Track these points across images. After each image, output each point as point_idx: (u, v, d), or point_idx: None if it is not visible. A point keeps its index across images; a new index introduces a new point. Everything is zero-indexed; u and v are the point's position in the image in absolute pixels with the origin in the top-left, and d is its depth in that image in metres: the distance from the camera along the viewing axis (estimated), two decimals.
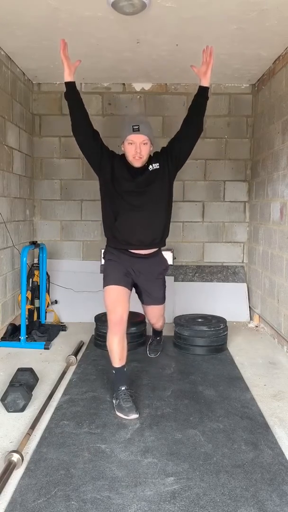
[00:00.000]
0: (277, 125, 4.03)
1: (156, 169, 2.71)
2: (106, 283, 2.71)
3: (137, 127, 2.56)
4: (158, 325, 3.33)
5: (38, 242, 4.44)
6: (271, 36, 3.45)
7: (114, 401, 2.63)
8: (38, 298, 4.45)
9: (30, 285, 4.39)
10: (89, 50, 3.77)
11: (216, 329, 3.69)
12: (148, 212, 2.72)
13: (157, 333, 3.59)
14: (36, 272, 4.46)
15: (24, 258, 3.86)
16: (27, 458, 2.11)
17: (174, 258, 4.85)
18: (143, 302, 3.03)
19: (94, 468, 2.04)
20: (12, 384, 2.68)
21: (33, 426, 2.36)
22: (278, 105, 4.02)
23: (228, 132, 4.86)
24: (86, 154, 2.73)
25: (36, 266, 4.49)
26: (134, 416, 2.50)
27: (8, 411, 2.56)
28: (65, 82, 2.66)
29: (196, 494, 1.86)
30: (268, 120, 4.31)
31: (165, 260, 3.00)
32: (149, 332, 3.73)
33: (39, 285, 4.43)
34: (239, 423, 2.48)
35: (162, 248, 2.95)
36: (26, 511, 1.75)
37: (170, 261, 4.80)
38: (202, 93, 2.79)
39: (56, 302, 4.69)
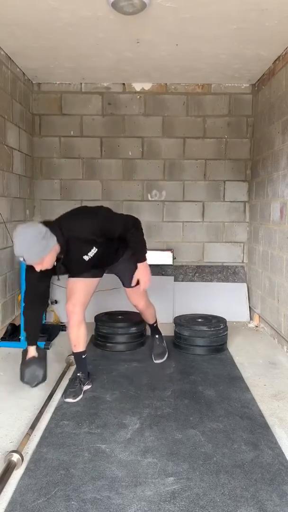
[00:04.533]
0: (277, 125, 4.03)
1: (95, 252, 2.64)
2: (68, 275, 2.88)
3: (22, 258, 2.39)
4: (140, 305, 3.22)
5: None
6: (271, 36, 3.45)
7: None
8: None
9: None
10: (89, 50, 3.77)
11: (216, 329, 3.69)
12: (103, 261, 2.82)
13: (153, 328, 3.49)
14: None
15: None
16: (27, 458, 2.11)
17: (174, 258, 4.85)
18: (123, 284, 3.13)
19: (94, 468, 2.04)
20: (23, 363, 2.76)
21: (33, 426, 2.36)
22: (278, 105, 4.02)
23: (228, 132, 4.86)
24: None
25: None
26: (68, 400, 2.70)
27: (33, 386, 2.69)
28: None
29: (196, 494, 1.85)
30: (268, 120, 4.31)
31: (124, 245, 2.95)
32: (149, 331, 3.72)
33: None
34: (239, 423, 2.48)
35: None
36: (26, 511, 1.75)
37: (170, 261, 4.81)
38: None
39: (56, 302, 4.68)
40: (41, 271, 2.50)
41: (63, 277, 2.84)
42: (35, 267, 2.46)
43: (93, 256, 2.65)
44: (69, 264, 2.66)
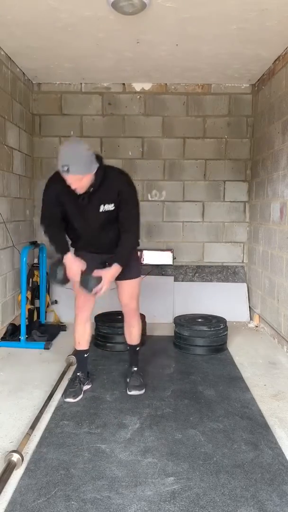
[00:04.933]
0: (277, 125, 4.03)
1: (108, 210, 2.62)
2: None
3: (66, 169, 2.38)
4: (132, 306, 2.92)
5: (38, 242, 4.44)
6: (271, 36, 3.45)
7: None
8: (38, 298, 4.45)
9: (30, 285, 4.39)
10: (89, 50, 3.77)
11: (216, 329, 3.69)
12: (102, 234, 2.73)
13: (134, 353, 3.05)
14: (36, 272, 4.46)
15: (24, 258, 3.86)
16: (27, 458, 2.11)
17: (174, 258, 4.85)
18: (116, 278, 2.80)
19: (94, 468, 2.04)
20: (55, 264, 2.72)
21: (33, 426, 2.36)
22: (278, 105, 4.02)
23: (228, 132, 4.86)
24: None
25: (36, 266, 4.49)
26: (69, 399, 2.71)
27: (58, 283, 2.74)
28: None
29: (196, 494, 1.85)
30: (268, 120, 4.31)
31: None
32: (149, 331, 3.72)
33: (39, 285, 4.44)
34: (239, 423, 2.48)
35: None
36: (26, 511, 1.75)
37: (170, 261, 4.81)
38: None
39: (56, 302, 4.68)
40: (58, 209, 2.64)
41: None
42: (71, 184, 2.45)
43: (106, 213, 2.61)
44: (88, 205, 2.59)
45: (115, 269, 2.64)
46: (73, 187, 2.47)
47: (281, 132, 3.91)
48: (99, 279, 2.59)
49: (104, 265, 2.75)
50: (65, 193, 2.56)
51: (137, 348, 3.04)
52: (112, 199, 2.60)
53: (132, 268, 2.81)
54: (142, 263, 2.91)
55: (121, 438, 2.30)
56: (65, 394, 2.76)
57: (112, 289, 2.85)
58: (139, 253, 2.90)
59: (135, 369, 3.00)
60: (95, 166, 2.49)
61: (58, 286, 2.70)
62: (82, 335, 2.88)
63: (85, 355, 2.93)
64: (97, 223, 2.66)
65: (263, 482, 1.94)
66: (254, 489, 1.89)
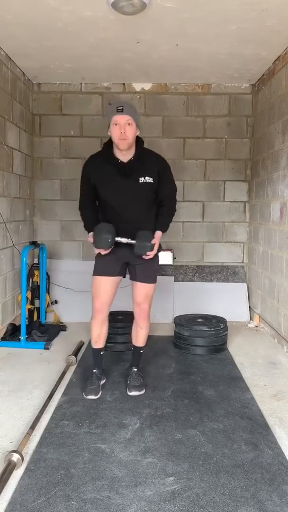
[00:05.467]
0: (277, 125, 4.03)
1: (148, 182, 2.75)
2: (94, 272, 2.89)
3: (121, 108, 2.60)
4: (145, 306, 2.92)
5: (38, 242, 4.44)
6: (271, 36, 3.45)
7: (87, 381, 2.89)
8: (38, 298, 4.45)
9: (30, 285, 4.39)
10: (89, 50, 3.77)
11: (216, 329, 3.69)
12: (136, 212, 2.78)
13: (138, 356, 3.07)
14: (36, 272, 4.46)
15: (24, 258, 3.86)
16: (27, 458, 2.11)
17: (174, 258, 4.85)
18: (135, 277, 2.89)
19: (94, 468, 2.04)
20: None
21: (33, 426, 2.36)
22: (278, 105, 4.02)
23: (228, 132, 4.86)
24: None
25: (36, 266, 4.49)
26: (91, 397, 2.76)
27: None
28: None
29: (196, 494, 1.85)
30: (268, 120, 4.31)
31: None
32: (149, 331, 3.70)
33: (39, 285, 4.43)
34: (239, 423, 2.48)
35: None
36: (26, 511, 1.75)
37: (170, 261, 4.80)
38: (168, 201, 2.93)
39: (56, 302, 4.68)
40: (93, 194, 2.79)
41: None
42: (120, 128, 2.60)
43: (145, 186, 2.73)
44: (127, 177, 2.71)
45: (159, 235, 2.82)
46: (120, 131, 2.60)
47: (281, 132, 3.91)
48: (152, 245, 2.73)
49: (125, 265, 2.87)
50: (101, 170, 2.74)
51: (141, 351, 3.06)
52: (151, 174, 2.75)
53: (154, 272, 2.94)
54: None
55: (121, 438, 2.30)
56: (85, 391, 2.80)
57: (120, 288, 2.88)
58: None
59: (135, 369, 3.01)
60: (138, 132, 2.73)
61: (100, 249, 2.75)
62: (99, 335, 2.93)
63: (101, 353, 2.99)
64: (134, 194, 2.73)
65: (263, 482, 1.94)
66: (254, 489, 1.89)
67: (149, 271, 2.89)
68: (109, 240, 2.70)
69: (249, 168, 4.90)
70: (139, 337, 3.00)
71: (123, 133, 2.61)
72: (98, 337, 2.92)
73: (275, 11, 3.00)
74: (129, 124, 2.62)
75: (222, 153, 4.88)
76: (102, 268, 2.84)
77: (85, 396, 2.78)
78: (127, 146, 2.67)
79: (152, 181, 2.74)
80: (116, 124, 2.62)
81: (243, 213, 4.97)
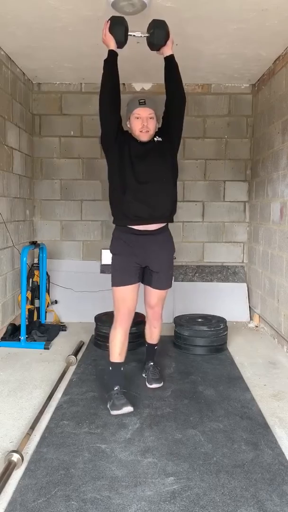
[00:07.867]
0: (277, 125, 4.04)
1: (159, 141, 2.70)
2: (114, 282, 2.73)
3: (143, 101, 2.58)
4: (158, 308, 2.95)
5: (38, 242, 4.44)
6: (271, 36, 3.45)
7: (108, 402, 2.62)
8: (38, 298, 4.45)
9: (30, 285, 4.39)
10: (89, 50, 3.77)
11: (216, 329, 3.69)
12: (155, 184, 2.66)
13: (153, 352, 3.14)
14: (36, 272, 4.46)
15: (24, 258, 3.86)
16: (27, 458, 2.11)
17: (174, 258, 4.83)
18: (150, 283, 2.84)
19: (94, 468, 2.04)
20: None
21: (33, 426, 2.36)
22: (278, 105, 4.02)
23: (228, 132, 4.86)
24: (104, 126, 2.66)
25: (36, 266, 4.49)
26: (129, 408, 2.55)
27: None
28: (110, 50, 2.62)
29: (196, 494, 1.85)
30: (268, 120, 4.31)
31: (173, 244, 2.94)
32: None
33: (39, 285, 4.43)
34: (239, 423, 2.48)
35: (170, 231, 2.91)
36: (26, 511, 1.75)
37: None
38: (170, 63, 2.69)
39: (56, 302, 4.68)
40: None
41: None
42: (142, 120, 2.59)
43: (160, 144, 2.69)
44: (146, 156, 2.65)
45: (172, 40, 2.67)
46: (142, 123, 2.58)
47: (281, 132, 3.91)
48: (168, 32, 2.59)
49: (142, 270, 2.77)
50: (128, 140, 2.66)
51: (156, 347, 3.14)
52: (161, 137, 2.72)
53: (170, 278, 2.90)
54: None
55: (121, 438, 2.30)
56: (116, 407, 2.55)
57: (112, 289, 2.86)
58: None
59: (152, 363, 3.09)
60: (159, 125, 2.69)
61: (115, 39, 2.60)
62: (122, 348, 2.70)
63: (122, 369, 2.74)
64: (152, 159, 2.66)
65: (263, 482, 1.94)
66: (254, 489, 1.89)
67: (166, 277, 2.86)
68: (123, 31, 2.54)
69: (249, 168, 4.90)
70: (153, 336, 3.07)
71: (145, 126, 2.59)
72: (122, 349, 2.69)
73: (275, 11, 3.00)
74: (151, 118, 2.60)
75: (222, 153, 4.88)
76: (121, 278, 2.71)
77: (117, 411, 2.54)
78: (148, 139, 2.65)
79: (161, 140, 2.69)
80: (138, 118, 2.59)
81: (243, 213, 4.97)
